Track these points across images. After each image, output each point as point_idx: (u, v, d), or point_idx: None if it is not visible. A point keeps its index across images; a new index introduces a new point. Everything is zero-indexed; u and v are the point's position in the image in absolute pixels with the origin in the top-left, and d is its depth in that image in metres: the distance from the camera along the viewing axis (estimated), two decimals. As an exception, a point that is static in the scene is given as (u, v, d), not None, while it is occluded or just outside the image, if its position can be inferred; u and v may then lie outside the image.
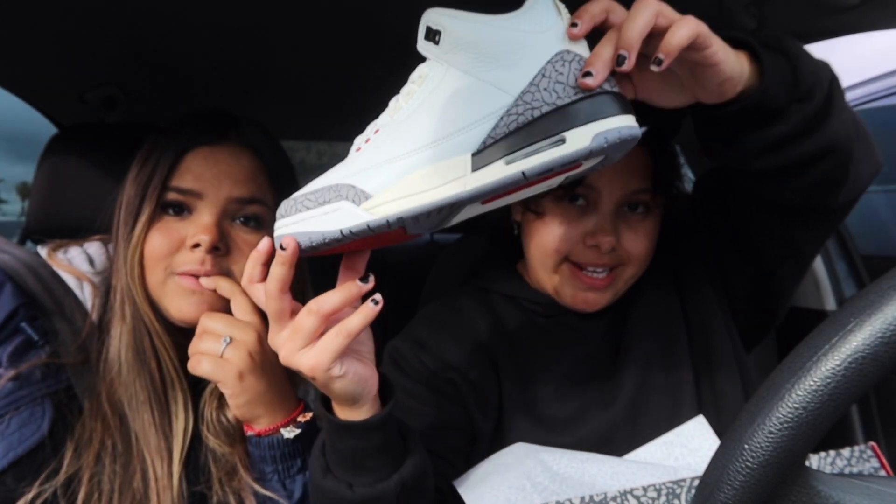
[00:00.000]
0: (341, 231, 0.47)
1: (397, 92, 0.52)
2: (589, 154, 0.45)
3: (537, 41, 0.46)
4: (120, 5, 0.90)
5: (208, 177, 0.71)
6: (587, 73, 0.45)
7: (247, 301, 0.69)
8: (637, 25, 0.45)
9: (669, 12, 0.47)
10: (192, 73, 1.22)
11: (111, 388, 0.68)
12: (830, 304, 1.16)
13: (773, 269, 0.77)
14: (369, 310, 0.51)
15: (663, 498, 0.52)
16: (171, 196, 0.70)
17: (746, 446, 0.30)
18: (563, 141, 0.45)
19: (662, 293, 0.82)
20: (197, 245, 0.68)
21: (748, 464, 0.30)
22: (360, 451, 0.55)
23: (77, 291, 0.72)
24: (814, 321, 0.85)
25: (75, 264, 0.74)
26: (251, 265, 0.53)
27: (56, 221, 0.84)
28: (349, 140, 0.54)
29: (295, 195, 0.51)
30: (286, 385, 0.72)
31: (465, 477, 0.66)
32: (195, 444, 0.73)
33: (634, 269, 0.75)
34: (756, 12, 0.86)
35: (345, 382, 0.52)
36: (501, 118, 0.46)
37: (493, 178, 0.45)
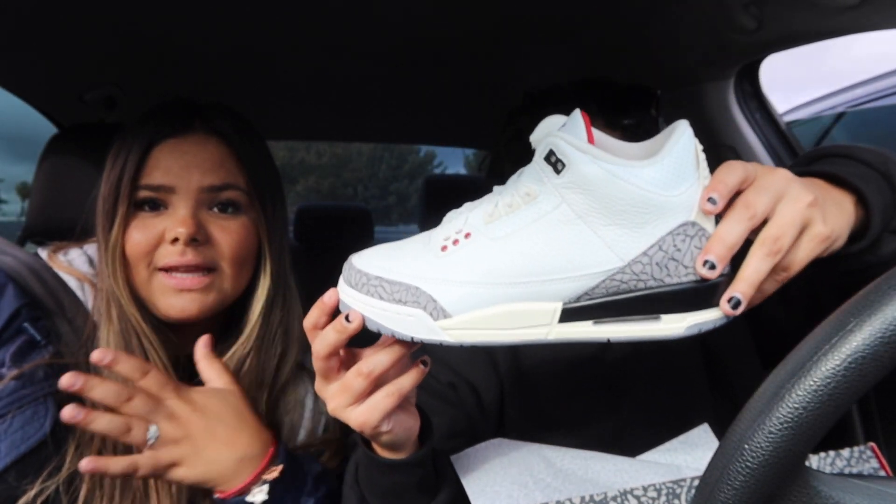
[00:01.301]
0: (413, 338, 0.46)
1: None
2: (676, 338, 0.43)
3: (666, 205, 0.42)
4: (120, 5, 0.90)
5: (176, 169, 0.71)
6: (707, 262, 0.42)
7: (212, 367, 0.68)
8: (782, 240, 0.42)
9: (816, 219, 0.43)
10: (192, 73, 1.22)
11: None
12: (830, 304, 1.16)
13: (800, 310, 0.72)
14: (419, 371, 0.51)
15: (663, 498, 0.52)
16: (144, 194, 0.70)
17: (746, 446, 0.30)
18: (657, 319, 0.43)
19: None
20: (176, 239, 0.69)
21: (748, 464, 0.30)
22: (400, 485, 0.56)
23: (78, 292, 0.72)
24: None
25: (76, 266, 0.74)
26: (316, 313, 0.51)
27: (56, 221, 0.84)
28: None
29: (367, 269, 0.48)
30: (252, 434, 0.65)
31: (466, 467, 0.65)
32: None
33: None
34: (756, 12, 0.86)
35: (391, 436, 0.52)
36: (604, 280, 0.43)
37: (578, 335, 0.44)
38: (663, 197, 0.41)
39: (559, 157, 0.42)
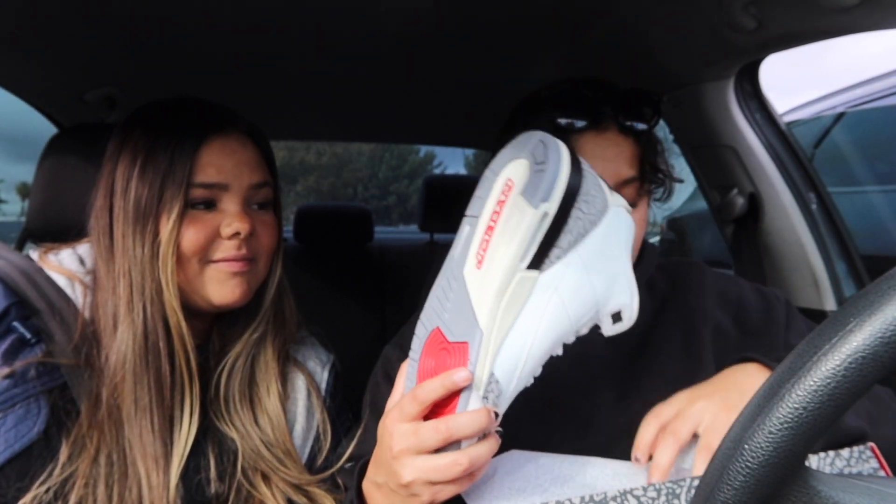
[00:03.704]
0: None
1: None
2: None
3: None
4: (120, 5, 0.90)
5: (229, 167, 0.73)
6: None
7: None
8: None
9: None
10: (193, 74, 1.22)
11: (114, 392, 0.67)
12: (830, 304, 1.16)
13: None
14: (495, 441, 0.53)
15: (663, 498, 0.52)
16: (199, 192, 0.71)
17: (746, 446, 0.30)
18: None
19: (692, 296, 0.83)
20: (236, 234, 0.72)
21: (748, 464, 0.30)
22: None
23: (68, 290, 0.72)
24: (814, 321, 0.86)
25: (66, 265, 0.74)
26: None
27: (56, 222, 0.84)
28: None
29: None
30: None
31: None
32: (200, 447, 0.73)
33: None
34: (756, 12, 0.86)
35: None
36: None
37: None
38: None
39: None
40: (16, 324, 0.66)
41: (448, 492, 0.51)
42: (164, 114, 0.74)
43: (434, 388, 0.51)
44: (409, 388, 0.56)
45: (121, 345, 0.68)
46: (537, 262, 0.51)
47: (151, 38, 1.03)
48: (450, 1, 0.92)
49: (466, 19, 1.00)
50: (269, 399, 0.78)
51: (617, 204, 0.56)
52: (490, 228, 0.53)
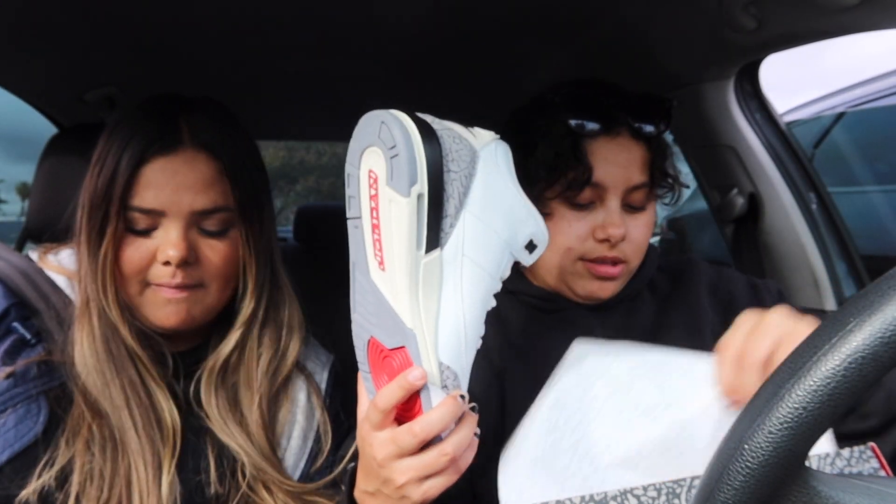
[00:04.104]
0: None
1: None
2: None
3: None
4: (120, 5, 0.90)
5: (168, 192, 0.68)
6: None
7: None
8: None
9: None
10: (192, 73, 1.22)
11: (85, 392, 0.67)
12: (830, 304, 1.16)
13: None
14: (473, 420, 0.54)
15: (663, 497, 0.52)
16: (135, 216, 0.69)
17: (746, 446, 0.30)
18: None
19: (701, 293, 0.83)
20: (168, 262, 0.68)
21: (748, 464, 0.30)
22: None
23: (68, 291, 0.72)
24: (814, 321, 0.86)
25: (65, 265, 0.74)
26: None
27: (56, 222, 0.84)
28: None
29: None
30: None
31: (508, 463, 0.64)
32: (199, 448, 0.73)
33: (636, 261, 0.78)
34: (756, 12, 0.86)
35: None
36: None
37: None
38: None
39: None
40: (16, 324, 0.66)
41: (439, 484, 0.52)
42: (125, 118, 0.71)
43: (393, 392, 0.51)
44: (370, 398, 0.56)
45: (77, 345, 0.68)
46: (433, 242, 0.51)
47: (151, 38, 1.03)
48: (450, 1, 0.92)
49: (467, 20, 1.00)
50: (252, 412, 0.75)
51: (484, 142, 0.55)
52: (375, 227, 0.52)
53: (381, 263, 0.52)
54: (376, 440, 0.53)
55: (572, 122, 0.75)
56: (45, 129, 1.27)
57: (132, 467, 0.67)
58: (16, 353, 0.65)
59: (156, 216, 0.69)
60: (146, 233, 0.70)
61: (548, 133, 0.77)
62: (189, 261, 0.69)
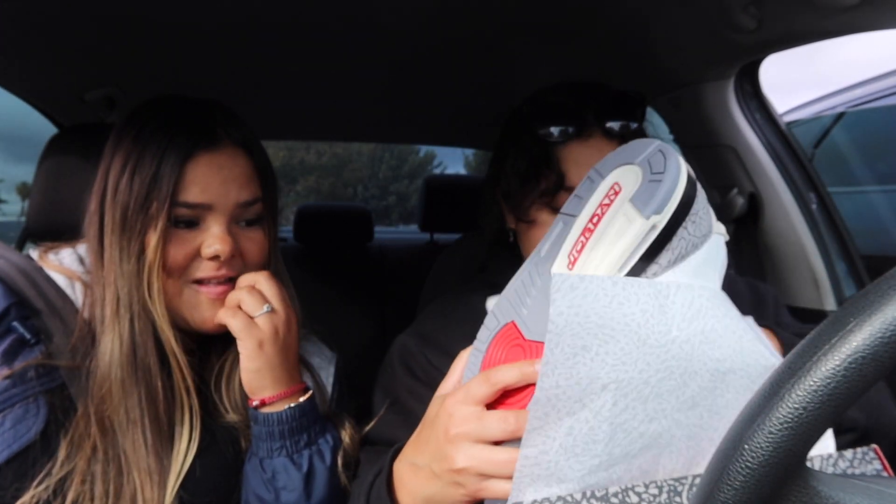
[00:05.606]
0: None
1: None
2: None
3: None
4: (120, 5, 0.90)
5: (215, 186, 0.70)
6: None
7: (278, 292, 0.73)
8: None
9: None
10: (193, 74, 1.22)
11: (101, 405, 0.66)
12: (830, 304, 1.16)
13: None
14: None
15: (664, 495, 0.52)
16: (182, 212, 0.69)
17: (746, 446, 0.30)
18: None
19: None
20: (215, 256, 0.70)
21: (748, 464, 0.30)
22: None
23: (68, 290, 0.72)
24: (814, 321, 0.86)
25: (66, 264, 0.74)
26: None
27: (56, 222, 0.84)
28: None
29: None
30: (295, 368, 0.75)
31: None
32: (202, 461, 0.72)
33: None
34: (756, 12, 0.86)
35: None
36: None
37: None
38: None
39: None
40: (15, 324, 0.66)
41: (495, 490, 0.48)
42: (156, 118, 0.71)
43: (511, 373, 0.48)
44: (468, 377, 0.54)
45: (104, 355, 0.67)
46: (635, 272, 0.49)
47: (152, 38, 1.03)
48: (450, 2, 0.92)
49: (467, 20, 1.00)
50: None
51: (719, 232, 0.53)
52: (588, 230, 0.51)
53: (572, 263, 0.51)
54: (460, 412, 0.50)
55: (540, 131, 0.74)
56: (45, 129, 1.28)
57: (138, 490, 0.66)
58: (15, 353, 0.65)
59: (202, 210, 0.70)
60: (189, 227, 0.71)
61: (517, 142, 0.77)
62: (233, 253, 0.71)
